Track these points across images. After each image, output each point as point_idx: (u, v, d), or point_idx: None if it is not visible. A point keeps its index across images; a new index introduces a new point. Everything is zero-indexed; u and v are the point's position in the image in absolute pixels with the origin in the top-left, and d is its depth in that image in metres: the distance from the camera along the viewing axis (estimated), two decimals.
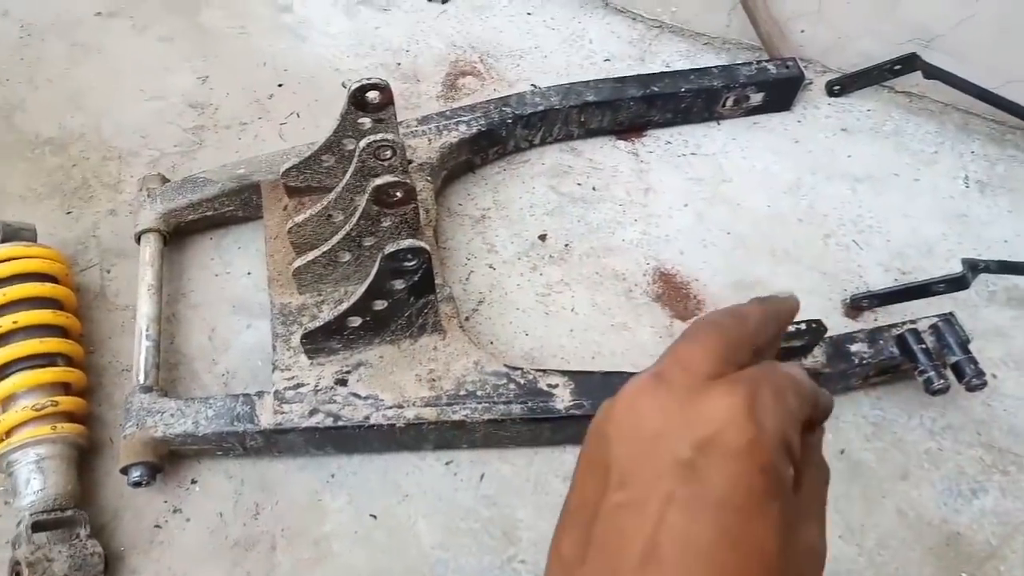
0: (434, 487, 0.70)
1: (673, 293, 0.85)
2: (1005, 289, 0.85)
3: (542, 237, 0.89)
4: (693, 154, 0.97)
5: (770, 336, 0.34)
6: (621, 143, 0.98)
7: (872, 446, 0.74)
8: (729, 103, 0.99)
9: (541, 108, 0.92)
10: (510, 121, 0.91)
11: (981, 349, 0.78)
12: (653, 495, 0.28)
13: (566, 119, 0.95)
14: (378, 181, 0.66)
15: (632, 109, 0.96)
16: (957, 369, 0.70)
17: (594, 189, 0.94)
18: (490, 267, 0.86)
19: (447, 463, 0.72)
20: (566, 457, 0.73)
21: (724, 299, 0.84)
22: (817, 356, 0.72)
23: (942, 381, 0.69)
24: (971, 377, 0.69)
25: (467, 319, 0.81)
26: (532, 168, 0.95)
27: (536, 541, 0.68)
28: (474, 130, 0.90)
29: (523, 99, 0.93)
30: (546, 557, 0.30)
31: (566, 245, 0.88)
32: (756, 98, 0.99)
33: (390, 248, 0.61)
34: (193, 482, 0.70)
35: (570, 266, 0.87)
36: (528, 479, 0.71)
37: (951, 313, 0.74)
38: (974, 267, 0.77)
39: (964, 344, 0.71)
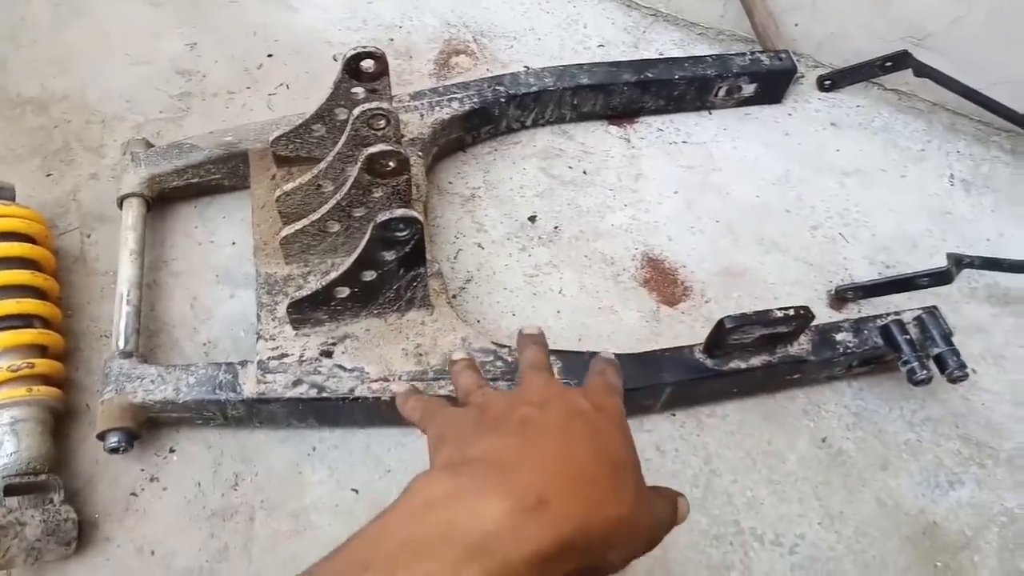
0: (417, 463, 0.70)
1: (660, 278, 0.85)
2: (986, 287, 0.86)
3: (532, 219, 0.89)
4: (684, 142, 0.97)
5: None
6: (613, 128, 0.98)
7: (853, 435, 0.75)
8: (722, 92, 0.99)
9: (535, 89, 0.92)
10: (503, 100, 0.91)
11: (961, 344, 0.78)
12: (558, 408, 0.41)
13: (559, 101, 0.94)
14: (372, 149, 0.65)
15: (625, 94, 0.95)
16: (940, 361, 0.71)
17: (585, 173, 0.93)
18: (479, 246, 0.85)
19: None
20: None
21: (711, 285, 0.84)
22: (803, 344, 0.72)
23: (925, 372, 0.69)
24: (953, 369, 0.70)
25: (454, 297, 0.80)
26: (524, 149, 0.95)
27: None
28: (467, 107, 0.89)
29: (517, 79, 0.92)
30: None
31: (555, 227, 0.88)
32: (748, 89, 0.99)
33: (383, 216, 0.60)
34: (171, 451, 0.69)
35: (559, 248, 0.86)
36: None
37: (935, 307, 0.75)
38: (959, 262, 0.78)
39: (947, 336, 0.72)
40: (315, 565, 0.34)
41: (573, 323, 0.80)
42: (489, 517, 0.34)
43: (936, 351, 0.71)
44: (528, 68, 1.00)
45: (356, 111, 0.69)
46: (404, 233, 0.62)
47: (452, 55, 1.06)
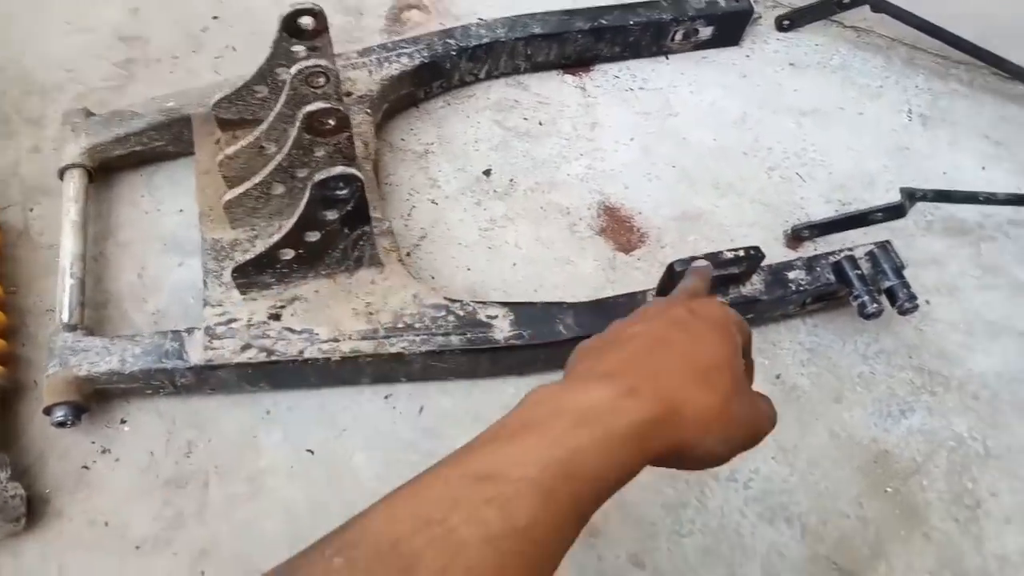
0: (372, 421, 0.70)
1: (617, 226, 0.85)
2: (941, 219, 0.86)
3: (486, 172, 0.88)
4: (641, 88, 0.96)
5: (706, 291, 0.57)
6: (569, 77, 0.97)
7: (807, 371, 0.75)
8: (678, 37, 0.97)
9: (486, 40, 0.90)
10: (454, 53, 0.89)
11: (916, 276, 0.79)
12: (661, 321, 0.45)
13: (512, 52, 0.92)
14: (309, 107, 0.63)
15: (580, 42, 0.94)
16: (891, 293, 0.71)
17: (540, 124, 0.92)
18: (433, 202, 0.85)
19: (386, 397, 0.71)
20: (506, 388, 0.72)
21: (667, 231, 0.84)
22: (756, 283, 0.72)
23: (875, 305, 0.70)
24: (903, 301, 0.70)
25: (408, 254, 0.80)
26: (477, 102, 0.93)
27: None
28: (416, 62, 0.87)
29: (468, 31, 0.90)
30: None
31: (511, 180, 0.87)
32: (705, 32, 0.98)
33: (320, 175, 0.59)
34: (123, 422, 0.68)
35: (514, 201, 0.85)
36: (468, 411, 0.71)
37: (887, 240, 0.75)
38: (911, 196, 0.78)
39: (898, 270, 0.72)
40: (439, 463, 0.37)
41: (530, 275, 0.80)
42: (591, 398, 0.39)
43: (887, 284, 0.71)
44: (481, 20, 0.97)
45: (293, 69, 0.67)
46: (344, 191, 0.61)
47: (404, 10, 1.04)
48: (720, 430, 0.41)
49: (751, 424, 0.44)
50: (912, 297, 0.70)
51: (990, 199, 0.81)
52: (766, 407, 0.46)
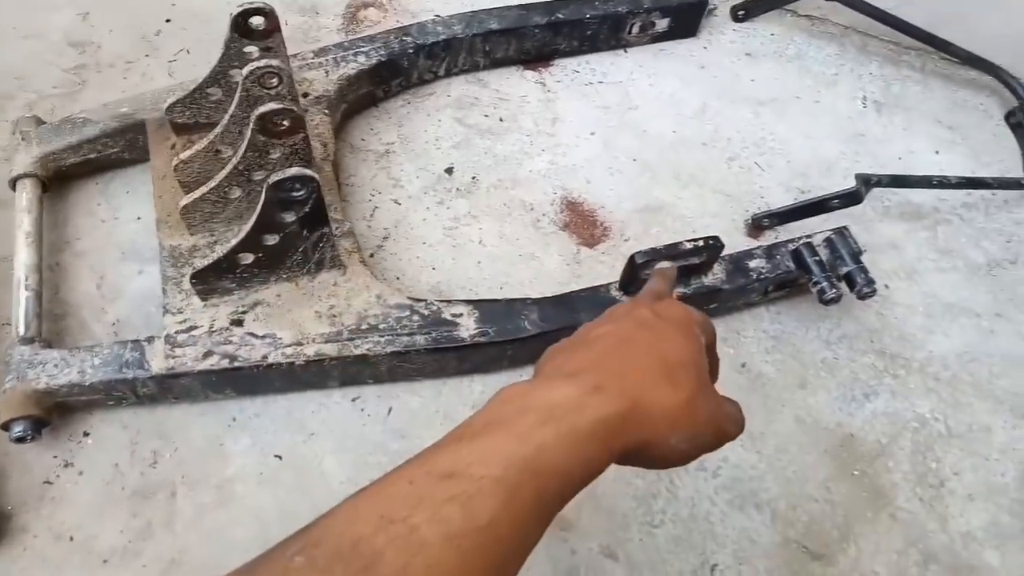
0: (340, 424, 0.69)
1: (580, 221, 0.85)
2: (898, 204, 0.88)
3: (448, 170, 0.87)
4: (600, 82, 0.97)
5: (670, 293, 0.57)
6: (528, 73, 0.97)
7: (772, 358, 0.76)
8: (635, 29, 0.98)
9: (443, 37, 0.90)
10: (411, 51, 0.88)
11: (875, 261, 0.81)
12: (626, 321, 0.46)
13: (470, 48, 0.92)
14: (262, 108, 0.63)
15: (537, 37, 0.94)
16: (849, 279, 0.72)
17: (501, 120, 0.92)
18: (395, 202, 0.84)
19: (353, 399, 0.71)
20: (474, 386, 0.72)
21: (630, 224, 0.84)
22: (717, 273, 0.73)
23: (834, 291, 0.71)
24: (862, 286, 0.71)
25: (372, 256, 0.79)
26: (438, 100, 0.93)
27: None
28: (373, 61, 0.86)
29: (424, 28, 0.90)
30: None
31: (473, 178, 0.87)
32: (662, 24, 0.98)
33: (275, 177, 0.58)
34: (85, 434, 0.67)
35: (477, 198, 0.85)
36: (437, 410, 0.71)
37: (844, 227, 0.76)
38: (867, 181, 0.79)
39: (856, 255, 0.73)
40: (406, 462, 0.37)
41: (495, 272, 0.80)
42: (557, 395, 0.39)
43: (845, 270, 0.72)
44: (438, 16, 0.97)
45: (245, 70, 0.66)
46: (300, 193, 0.60)
47: (360, 8, 1.03)
48: (685, 427, 0.41)
49: (715, 424, 0.44)
50: (870, 282, 0.71)
51: (943, 183, 0.83)
52: (732, 411, 0.46)
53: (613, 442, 0.39)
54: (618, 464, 0.40)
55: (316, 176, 0.60)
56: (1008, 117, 0.96)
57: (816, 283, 0.71)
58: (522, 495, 0.35)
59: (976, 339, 0.79)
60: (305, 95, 0.83)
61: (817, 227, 0.80)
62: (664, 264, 0.64)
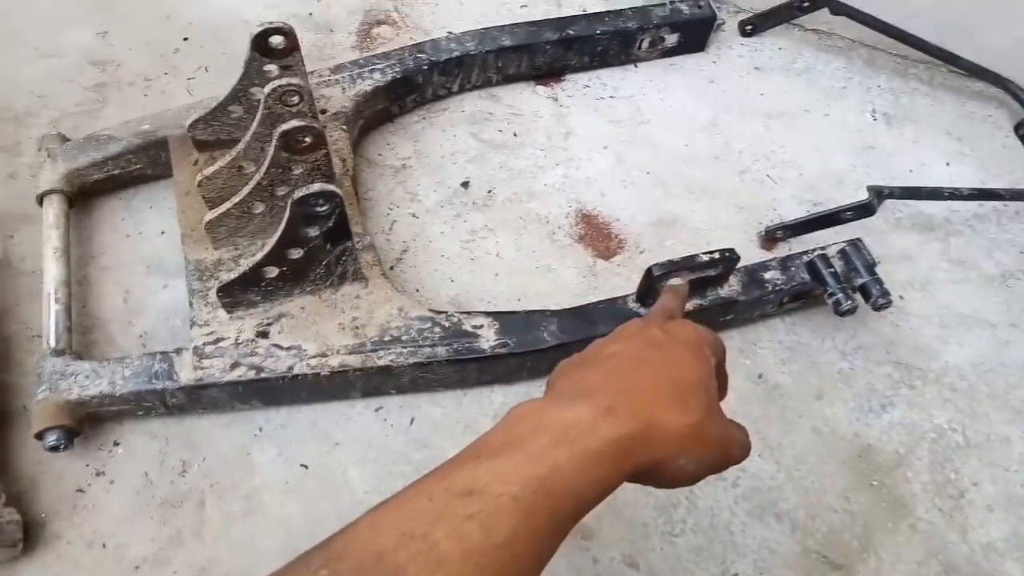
0: (364, 434, 0.70)
1: (595, 233, 0.86)
2: (910, 216, 0.89)
3: (464, 184, 0.89)
4: (612, 97, 0.98)
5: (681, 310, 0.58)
6: (540, 88, 0.98)
7: (788, 369, 0.77)
8: (645, 45, 0.99)
9: (457, 54, 0.91)
10: (426, 68, 0.90)
11: (889, 273, 0.82)
12: (637, 340, 0.47)
13: (483, 65, 0.94)
14: (285, 126, 0.64)
15: (549, 53, 0.95)
16: (864, 290, 0.73)
17: (515, 135, 0.93)
18: (413, 216, 0.85)
19: (377, 409, 0.72)
20: (495, 397, 0.73)
21: (644, 237, 0.85)
22: (733, 284, 0.74)
23: (850, 302, 0.72)
24: (877, 297, 0.72)
25: (391, 268, 0.80)
26: (452, 116, 0.94)
27: None
28: (389, 78, 0.88)
29: (438, 45, 0.91)
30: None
31: (489, 191, 0.88)
32: (671, 39, 1.00)
33: (299, 193, 0.60)
34: (116, 444, 0.68)
35: (493, 212, 0.87)
36: (458, 420, 0.72)
37: (858, 238, 0.77)
38: (879, 193, 0.80)
39: (870, 267, 0.74)
40: (424, 477, 0.39)
41: (512, 284, 0.81)
42: (570, 416, 0.40)
43: (860, 281, 0.73)
44: (451, 33, 0.99)
45: (267, 89, 0.68)
46: (324, 208, 0.61)
47: (373, 26, 1.04)
48: (694, 449, 0.42)
49: (722, 446, 0.45)
50: (885, 293, 0.72)
51: (955, 194, 0.84)
52: (739, 435, 0.47)
53: (624, 462, 0.40)
54: (628, 482, 0.41)
55: (339, 191, 0.61)
56: (1017, 128, 0.97)
57: (832, 294, 0.72)
58: (538, 514, 0.36)
59: (991, 349, 0.80)
60: (323, 111, 0.84)
61: (830, 239, 0.81)
62: (675, 281, 0.65)
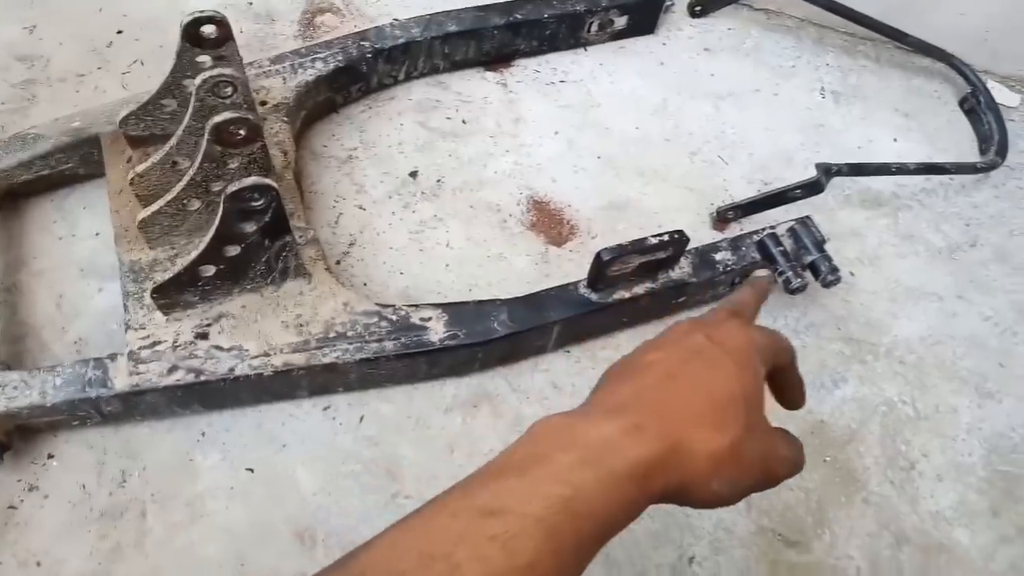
0: (312, 433, 0.69)
1: (547, 220, 0.85)
2: (859, 192, 0.89)
3: (413, 174, 0.87)
4: (562, 81, 0.97)
5: (756, 306, 0.53)
6: (489, 74, 0.96)
7: None
8: (594, 28, 0.98)
9: (402, 41, 0.89)
10: (370, 56, 0.88)
11: (839, 249, 0.82)
12: (678, 349, 0.44)
13: (429, 52, 0.92)
14: (217, 119, 0.62)
15: (497, 38, 0.94)
16: (813, 268, 0.73)
17: (464, 122, 0.92)
18: (360, 208, 0.83)
19: (324, 408, 0.70)
20: (447, 390, 0.72)
21: (596, 222, 0.84)
22: (684, 267, 0.73)
23: (799, 280, 0.72)
24: (826, 274, 0.72)
25: (338, 263, 0.78)
26: (399, 104, 0.92)
27: (420, 476, 0.67)
28: (331, 67, 0.86)
29: (382, 32, 0.89)
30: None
31: (438, 180, 0.86)
32: (620, 21, 0.99)
33: (233, 187, 0.57)
34: (50, 456, 0.65)
35: (443, 201, 0.85)
36: (409, 416, 0.71)
37: (807, 216, 0.77)
38: (827, 171, 0.80)
39: (820, 244, 0.74)
40: (447, 491, 0.38)
41: (463, 274, 0.80)
42: (596, 433, 0.39)
43: (809, 259, 0.73)
44: (396, 20, 0.96)
45: (197, 80, 0.65)
46: (260, 202, 0.59)
47: (316, 14, 1.02)
48: (729, 471, 0.40)
49: (763, 467, 0.42)
50: (834, 270, 0.72)
51: (902, 169, 0.84)
52: (786, 451, 0.44)
53: (651, 484, 0.38)
54: (658, 503, 0.39)
55: (274, 184, 0.59)
56: (962, 103, 0.98)
57: (781, 273, 0.72)
58: (562, 536, 0.35)
59: (939, 322, 0.81)
60: (263, 103, 0.82)
61: (781, 218, 0.81)
62: (760, 272, 0.59)
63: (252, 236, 0.62)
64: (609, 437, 0.38)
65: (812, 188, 0.79)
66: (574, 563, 0.36)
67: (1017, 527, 0.69)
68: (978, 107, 0.95)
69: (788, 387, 0.49)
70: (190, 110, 0.67)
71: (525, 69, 0.97)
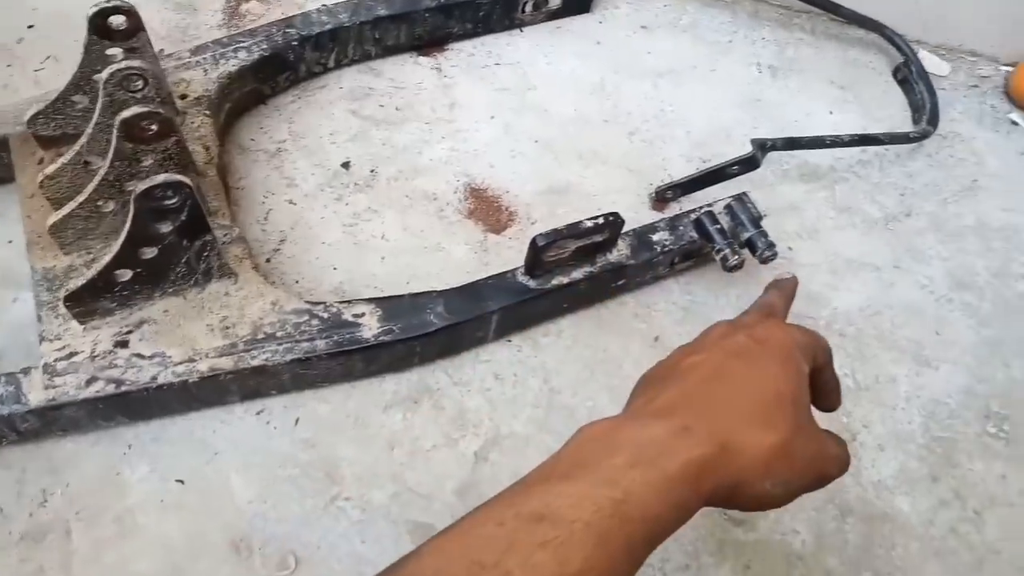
0: (246, 439, 0.66)
1: (485, 207, 0.83)
2: (797, 166, 0.89)
3: (345, 165, 0.84)
4: (497, 64, 0.95)
5: (786, 308, 0.54)
6: (423, 59, 0.94)
7: (684, 329, 0.76)
8: (529, 8, 0.96)
9: (330, 27, 0.86)
10: (296, 43, 0.85)
11: (778, 224, 0.82)
12: (720, 350, 0.44)
13: (359, 37, 0.89)
14: (125, 113, 0.59)
15: (429, 21, 0.91)
16: (750, 244, 0.72)
17: (397, 109, 0.89)
18: (290, 202, 0.81)
19: (258, 412, 0.68)
20: (386, 386, 0.70)
21: (536, 207, 0.83)
22: (622, 249, 0.72)
23: (737, 257, 0.71)
24: (763, 250, 0.72)
25: (268, 260, 0.76)
26: (329, 93, 0.89)
27: (360, 475, 0.65)
28: (256, 56, 0.82)
29: (309, 19, 0.86)
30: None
31: (372, 171, 0.84)
32: (555, 1, 0.97)
33: (143, 186, 0.55)
34: None
35: (377, 192, 0.83)
36: (347, 415, 0.69)
37: (744, 192, 0.76)
38: (763, 146, 0.79)
39: (756, 220, 0.73)
40: (490, 500, 0.37)
41: (399, 266, 0.78)
42: (644, 436, 0.38)
43: (746, 235, 0.73)
44: (324, 6, 0.93)
45: (104, 74, 0.62)
46: (174, 200, 0.57)
47: (241, 2, 0.98)
48: (780, 471, 0.40)
49: (813, 466, 0.42)
50: (771, 245, 0.72)
51: (836, 141, 0.84)
52: (835, 450, 0.44)
53: (702, 486, 0.37)
54: (708, 506, 0.39)
55: (188, 181, 0.56)
56: (895, 73, 0.99)
57: (719, 251, 0.72)
58: (613, 541, 0.34)
59: (878, 292, 0.81)
60: (184, 96, 0.78)
61: (721, 195, 0.80)
62: (786, 275, 0.59)
63: (168, 236, 0.59)
64: (658, 439, 0.38)
65: (748, 164, 0.79)
66: (626, 567, 0.35)
67: (954, 491, 0.70)
68: (910, 77, 0.95)
69: (825, 388, 0.48)
70: (99, 106, 0.64)
71: (460, 53, 0.95)
